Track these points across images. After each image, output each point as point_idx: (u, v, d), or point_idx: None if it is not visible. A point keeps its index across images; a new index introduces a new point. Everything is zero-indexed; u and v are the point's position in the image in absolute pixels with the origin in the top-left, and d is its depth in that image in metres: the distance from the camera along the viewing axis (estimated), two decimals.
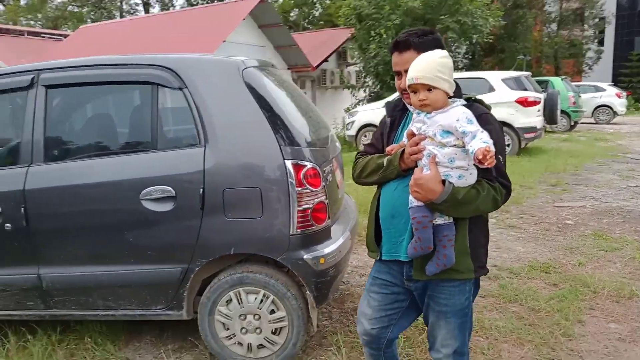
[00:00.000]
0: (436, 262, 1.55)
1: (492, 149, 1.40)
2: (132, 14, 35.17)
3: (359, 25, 14.03)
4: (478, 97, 1.66)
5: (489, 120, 1.58)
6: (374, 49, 13.04)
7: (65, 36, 20.93)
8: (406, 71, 1.57)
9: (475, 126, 1.48)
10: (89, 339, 2.74)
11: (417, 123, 1.59)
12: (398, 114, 1.77)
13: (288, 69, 15.61)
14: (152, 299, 2.52)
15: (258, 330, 2.48)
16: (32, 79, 2.53)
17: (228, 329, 2.51)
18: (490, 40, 16.73)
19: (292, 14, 32.82)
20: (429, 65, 1.49)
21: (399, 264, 1.70)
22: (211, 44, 11.89)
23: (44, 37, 23.27)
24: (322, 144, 2.70)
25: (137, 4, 37.78)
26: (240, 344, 2.51)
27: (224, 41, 12.21)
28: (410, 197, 1.56)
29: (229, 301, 2.47)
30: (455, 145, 1.50)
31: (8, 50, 16.81)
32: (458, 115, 1.50)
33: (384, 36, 12.64)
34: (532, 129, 9.27)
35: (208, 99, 2.41)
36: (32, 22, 39.37)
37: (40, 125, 2.50)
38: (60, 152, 2.59)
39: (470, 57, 24.54)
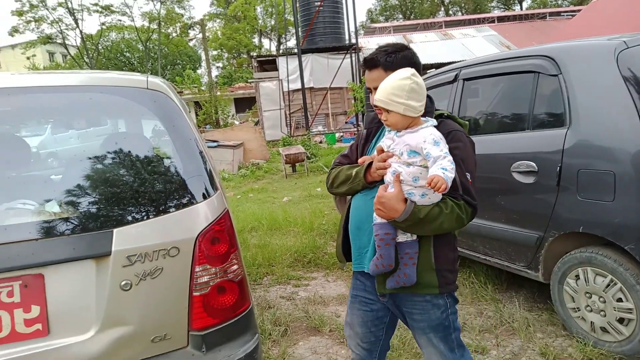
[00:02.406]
0: (396, 279, 1.53)
1: (446, 178, 1.42)
2: None
3: None
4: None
5: (459, 138, 1.59)
6: None
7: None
8: (376, 88, 1.59)
9: (439, 150, 1.48)
10: (473, 276, 3.53)
11: (388, 140, 1.57)
12: (374, 127, 1.81)
13: None
14: (515, 255, 2.99)
15: (602, 313, 2.50)
16: (456, 75, 3.44)
17: (574, 301, 2.65)
18: None
19: None
20: (384, 89, 1.54)
21: (371, 279, 1.67)
22: None
23: (562, 16, 24.24)
24: None
25: None
26: (584, 319, 2.61)
27: None
28: (375, 214, 1.54)
29: (577, 276, 2.61)
30: (421, 165, 1.46)
31: (529, 34, 18.69)
32: (425, 136, 1.51)
33: None
34: None
35: (577, 83, 2.56)
36: (558, 2, 41.10)
37: (456, 110, 3.40)
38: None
39: None
